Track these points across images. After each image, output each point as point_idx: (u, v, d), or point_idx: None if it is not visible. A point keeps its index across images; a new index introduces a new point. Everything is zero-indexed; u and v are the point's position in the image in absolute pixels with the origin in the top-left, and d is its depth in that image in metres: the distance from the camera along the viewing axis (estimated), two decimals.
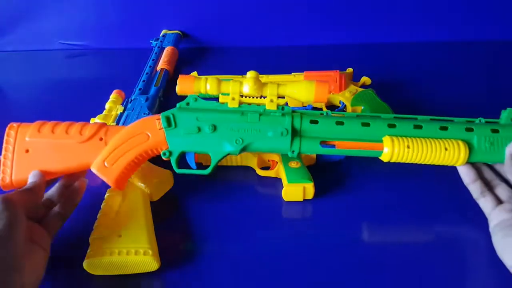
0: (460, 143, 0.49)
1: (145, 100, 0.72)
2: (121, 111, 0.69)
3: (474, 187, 0.50)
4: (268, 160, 0.62)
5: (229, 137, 0.51)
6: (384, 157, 0.50)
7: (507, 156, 0.49)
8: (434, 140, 0.49)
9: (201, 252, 0.50)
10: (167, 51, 0.90)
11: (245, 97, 0.54)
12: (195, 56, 0.98)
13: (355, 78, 0.77)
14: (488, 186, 0.51)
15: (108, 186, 0.55)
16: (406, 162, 0.50)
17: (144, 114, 0.69)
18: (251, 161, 0.61)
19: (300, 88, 0.52)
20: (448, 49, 0.97)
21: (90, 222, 0.50)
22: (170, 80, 0.84)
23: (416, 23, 0.98)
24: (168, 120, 0.51)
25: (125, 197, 0.53)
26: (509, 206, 0.48)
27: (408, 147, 0.49)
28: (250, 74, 0.52)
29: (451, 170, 0.59)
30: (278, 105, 0.52)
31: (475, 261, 0.49)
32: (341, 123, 0.51)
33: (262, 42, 1.00)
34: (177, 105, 0.53)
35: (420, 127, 0.50)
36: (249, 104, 0.53)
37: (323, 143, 0.51)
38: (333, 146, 0.52)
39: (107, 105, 0.69)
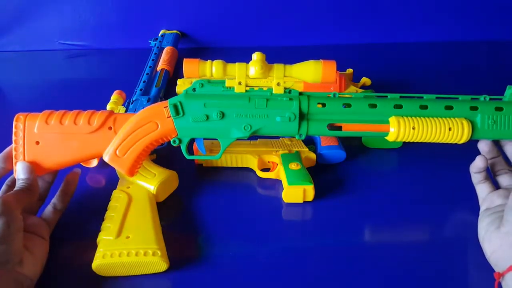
0: (464, 122, 0.50)
1: (146, 100, 0.72)
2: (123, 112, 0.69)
3: (476, 175, 0.51)
4: (269, 162, 0.62)
5: (238, 123, 0.51)
6: (390, 137, 0.51)
7: None
8: (439, 120, 0.50)
9: (205, 253, 0.50)
10: (166, 51, 0.90)
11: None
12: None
13: (355, 79, 0.77)
14: (494, 174, 0.52)
15: (114, 186, 0.55)
16: (411, 141, 0.51)
17: None
18: (252, 163, 0.62)
19: (307, 68, 0.51)
20: (448, 49, 0.97)
21: (96, 223, 0.51)
22: (170, 80, 0.84)
23: (416, 23, 0.98)
24: (176, 108, 0.51)
25: (132, 198, 0.53)
26: (504, 192, 0.49)
27: (413, 128, 0.50)
28: (257, 56, 0.51)
29: (452, 170, 0.59)
30: (285, 88, 0.52)
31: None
32: (349, 105, 0.51)
33: (262, 42, 1.00)
34: (184, 91, 0.52)
35: (426, 107, 0.51)
36: (256, 88, 0.52)
37: (330, 126, 0.52)
38: (340, 128, 0.52)
39: (108, 106, 0.69)
